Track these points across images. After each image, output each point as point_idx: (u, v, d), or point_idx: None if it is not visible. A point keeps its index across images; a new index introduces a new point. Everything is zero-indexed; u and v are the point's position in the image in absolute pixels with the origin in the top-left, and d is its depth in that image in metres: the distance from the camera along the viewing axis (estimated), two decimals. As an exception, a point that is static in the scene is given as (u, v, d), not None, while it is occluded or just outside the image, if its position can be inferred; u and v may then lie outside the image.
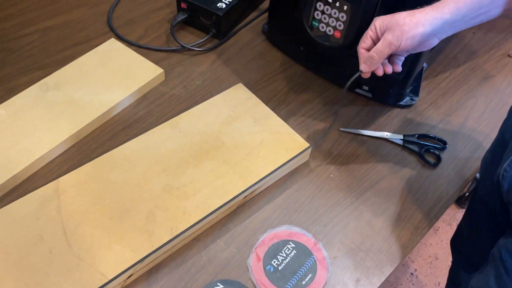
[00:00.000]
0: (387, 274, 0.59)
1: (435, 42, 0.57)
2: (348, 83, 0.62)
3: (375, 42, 0.59)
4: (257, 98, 0.74)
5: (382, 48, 0.57)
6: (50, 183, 0.61)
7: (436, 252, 1.30)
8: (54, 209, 0.58)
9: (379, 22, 0.57)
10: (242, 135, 0.69)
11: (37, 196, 0.59)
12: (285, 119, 0.73)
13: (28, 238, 0.55)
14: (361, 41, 0.60)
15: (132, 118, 0.73)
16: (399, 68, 0.61)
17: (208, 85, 0.79)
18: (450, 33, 0.56)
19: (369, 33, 0.59)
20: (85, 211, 0.58)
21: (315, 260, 0.59)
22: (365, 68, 0.59)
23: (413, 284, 1.23)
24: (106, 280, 0.53)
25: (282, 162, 0.66)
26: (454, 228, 1.36)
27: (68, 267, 0.53)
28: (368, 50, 0.59)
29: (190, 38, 0.86)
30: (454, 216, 1.39)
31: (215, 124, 0.70)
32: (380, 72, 0.60)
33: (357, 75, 0.61)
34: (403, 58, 0.61)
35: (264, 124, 0.70)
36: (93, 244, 0.56)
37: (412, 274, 1.25)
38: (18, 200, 0.59)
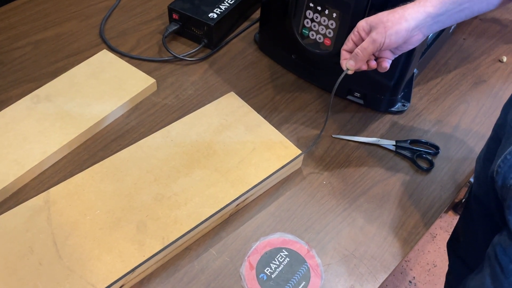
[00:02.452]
0: (381, 281, 0.58)
1: (420, 38, 0.56)
2: (336, 85, 0.62)
3: (357, 44, 0.59)
4: (249, 106, 0.74)
5: (366, 45, 0.57)
6: (41, 194, 0.60)
7: (434, 260, 1.29)
8: (44, 220, 0.58)
9: (362, 23, 0.58)
10: (234, 143, 0.69)
11: (27, 207, 0.59)
12: (277, 126, 0.73)
13: (17, 250, 0.55)
14: (344, 43, 0.60)
15: (124, 128, 0.73)
16: (386, 65, 0.60)
17: (200, 94, 0.79)
18: (435, 28, 0.56)
19: (351, 36, 0.59)
20: (76, 222, 0.58)
21: (308, 268, 0.59)
22: (350, 66, 0.59)
23: (412, 292, 1.22)
24: (96, 292, 0.52)
25: (274, 169, 0.66)
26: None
27: (58, 279, 0.53)
28: (350, 52, 0.60)
29: (182, 48, 0.87)
30: (451, 223, 1.38)
31: (206, 132, 0.70)
32: (364, 68, 0.60)
33: (343, 75, 0.61)
34: (390, 61, 0.61)
35: (256, 132, 0.70)
36: (83, 255, 0.55)
37: (410, 282, 1.24)
38: (7, 212, 0.58)
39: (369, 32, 0.57)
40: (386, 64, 0.60)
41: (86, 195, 0.61)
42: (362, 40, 0.58)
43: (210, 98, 0.78)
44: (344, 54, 0.61)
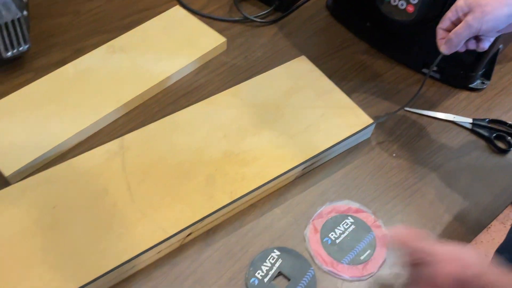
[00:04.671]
0: (451, 257, 0.56)
1: None
2: (432, 66, 0.59)
3: (455, 24, 0.56)
4: (320, 71, 0.72)
5: (461, 30, 0.53)
6: (116, 139, 0.62)
7: (487, 251, 1.24)
8: (119, 165, 0.60)
9: (460, 2, 0.54)
10: (303, 107, 0.68)
11: (103, 150, 0.61)
12: (347, 95, 0.71)
13: (93, 190, 0.57)
14: (440, 21, 0.57)
15: (193, 85, 0.74)
16: (484, 46, 0.57)
17: (269, 57, 0.78)
18: None
19: (449, 15, 0.56)
20: (148, 169, 0.59)
21: (374, 237, 0.58)
22: (444, 50, 0.57)
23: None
24: (167, 236, 0.54)
25: (343, 137, 0.64)
26: (508, 227, 1.30)
27: (130, 221, 0.55)
28: (448, 31, 0.56)
29: (253, 9, 0.85)
30: (508, 215, 1.32)
31: (276, 95, 0.69)
32: (461, 50, 0.57)
33: (439, 58, 0.58)
34: (492, 39, 0.57)
35: (326, 98, 0.69)
36: (155, 201, 0.57)
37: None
38: (84, 154, 0.60)
39: (466, 14, 0.53)
40: (485, 45, 0.56)
41: (159, 144, 0.62)
42: (460, 20, 0.55)
43: (278, 62, 0.76)
44: (440, 33, 0.57)
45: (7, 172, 0.58)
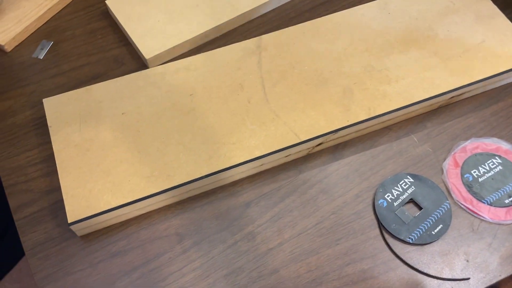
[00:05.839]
0: None
1: None
2: None
3: None
4: (485, -7, 0.62)
5: None
6: (253, 38, 0.60)
7: None
8: (255, 63, 0.58)
9: None
10: (460, 30, 0.60)
11: (241, 47, 0.59)
12: None
13: (229, 84, 0.56)
14: None
15: (335, -6, 0.68)
16: None
17: (420, -27, 0.69)
18: None
19: None
20: (284, 72, 0.57)
21: (525, 182, 0.51)
22: None
23: None
24: (299, 141, 0.52)
25: (503, 69, 0.56)
26: None
27: (263, 119, 0.53)
28: None
29: None
30: None
31: (429, 12, 0.61)
32: None
33: None
34: None
35: (488, 23, 0.60)
36: (289, 105, 0.55)
37: None
38: (223, 48, 0.59)
39: None
40: None
41: (296, 48, 0.59)
42: None
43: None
44: None
45: (147, 55, 0.59)
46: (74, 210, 0.48)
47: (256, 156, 0.51)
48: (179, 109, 0.54)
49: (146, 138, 0.52)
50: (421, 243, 0.48)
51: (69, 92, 0.55)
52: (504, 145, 0.54)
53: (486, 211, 0.50)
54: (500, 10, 0.61)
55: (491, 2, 0.62)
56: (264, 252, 0.48)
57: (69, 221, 0.47)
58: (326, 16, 0.62)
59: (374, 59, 0.58)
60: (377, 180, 0.53)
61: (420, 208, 0.50)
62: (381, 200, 0.51)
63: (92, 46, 0.63)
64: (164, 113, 0.54)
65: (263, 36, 0.60)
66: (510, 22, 0.60)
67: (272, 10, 0.67)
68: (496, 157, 0.53)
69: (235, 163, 0.50)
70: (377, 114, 0.54)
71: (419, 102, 0.54)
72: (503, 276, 0.47)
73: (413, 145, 0.55)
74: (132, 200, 0.48)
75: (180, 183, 0.49)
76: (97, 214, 0.47)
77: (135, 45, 0.61)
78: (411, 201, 0.51)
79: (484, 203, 0.50)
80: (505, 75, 0.57)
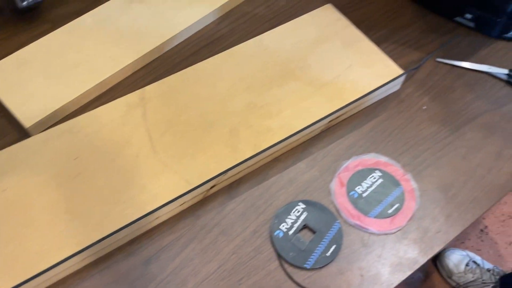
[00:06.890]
0: (484, 210, 0.54)
1: None
2: None
3: None
4: (348, 20, 0.68)
5: None
6: (137, 91, 0.60)
7: (511, 211, 1.22)
8: (140, 116, 0.58)
9: None
10: (330, 57, 0.65)
11: (125, 102, 0.59)
12: (376, 45, 0.67)
13: (116, 141, 0.56)
14: None
15: (215, 35, 0.71)
16: None
17: (293, 6, 0.74)
18: None
19: None
20: (170, 120, 0.58)
21: (403, 191, 0.56)
22: None
23: (482, 241, 1.17)
24: (190, 187, 0.53)
25: (372, 87, 0.62)
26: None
27: (153, 172, 0.54)
28: None
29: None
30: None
31: (301, 44, 0.66)
32: None
33: None
34: None
35: (354, 47, 0.66)
36: (178, 153, 0.56)
37: (482, 230, 1.19)
38: (106, 105, 0.59)
39: None
40: None
41: (180, 96, 0.60)
42: None
43: (303, 11, 0.73)
44: None
45: (27, 124, 0.58)
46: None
47: (148, 212, 0.51)
48: (65, 175, 0.53)
49: (32, 213, 0.51)
50: (318, 267, 0.51)
51: None
52: (382, 159, 0.59)
53: (372, 224, 0.54)
54: (363, 34, 0.67)
55: (355, 27, 0.68)
56: (169, 306, 0.48)
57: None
58: (207, 60, 0.64)
59: (256, 96, 0.61)
60: (272, 212, 0.55)
61: (314, 232, 0.53)
62: (277, 231, 0.53)
63: (-32, 121, 0.60)
64: (50, 182, 0.53)
65: (146, 87, 0.61)
66: (373, 44, 0.66)
67: (156, 58, 0.68)
68: (376, 171, 0.58)
69: (128, 222, 0.50)
70: (262, 149, 0.56)
71: (300, 131, 0.58)
72: (395, 283, 0.51)
73: (301, 171, 0.58)
74: (23, 280, 0.46)
75: (71, 254, 0.48)
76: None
77: (13, 114, 0.59)
78: (305, 227, 0.54)
79: (370, 217, 0.54)
80: (375, 93, 0.62)
